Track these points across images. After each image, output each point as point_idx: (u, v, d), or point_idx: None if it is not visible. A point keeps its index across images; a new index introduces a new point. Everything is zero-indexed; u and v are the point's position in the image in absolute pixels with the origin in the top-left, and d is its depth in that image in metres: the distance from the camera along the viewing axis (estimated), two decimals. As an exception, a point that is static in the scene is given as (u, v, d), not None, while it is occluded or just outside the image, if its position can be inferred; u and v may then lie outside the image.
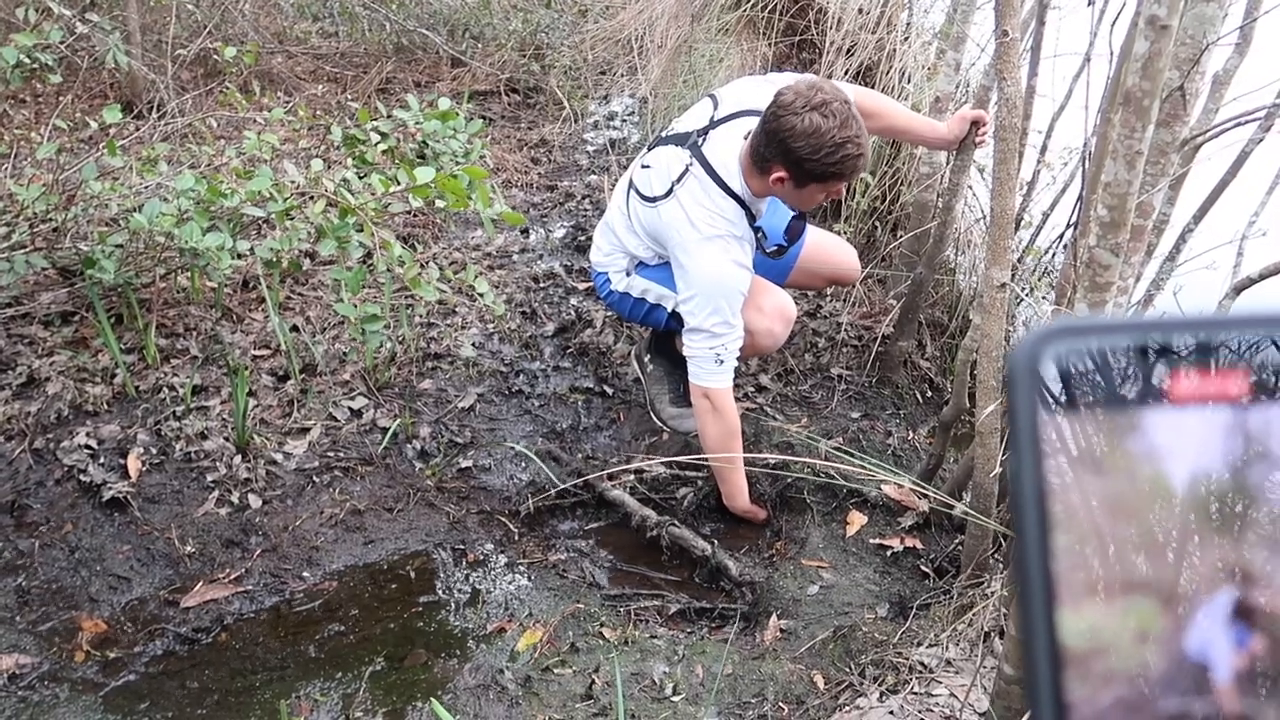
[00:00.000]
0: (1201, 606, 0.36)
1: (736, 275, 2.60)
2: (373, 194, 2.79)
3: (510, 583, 2.62)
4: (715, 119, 2.66)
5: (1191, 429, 0.37)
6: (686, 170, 2.59)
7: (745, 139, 2.57)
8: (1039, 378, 0.37)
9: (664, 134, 2.77)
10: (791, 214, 2.79)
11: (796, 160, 2.42)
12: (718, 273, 2.58)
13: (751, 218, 2.63)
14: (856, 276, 3.18)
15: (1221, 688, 0.35)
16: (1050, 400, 0.37)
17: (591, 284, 3.76)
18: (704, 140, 2.62)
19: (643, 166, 2.73)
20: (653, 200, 2.65)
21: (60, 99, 4.17)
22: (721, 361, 2.63)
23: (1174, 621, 0.36)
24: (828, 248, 3.07)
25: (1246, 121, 2.24)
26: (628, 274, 2.88)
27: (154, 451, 2.73)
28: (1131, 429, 0.37)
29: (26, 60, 2.99)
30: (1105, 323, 0.38)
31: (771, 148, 2.45)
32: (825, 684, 2.21)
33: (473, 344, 3.32)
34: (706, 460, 2.80)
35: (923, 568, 2.62)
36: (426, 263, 3.61)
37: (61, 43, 3.14)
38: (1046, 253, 3.61)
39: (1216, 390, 0.37)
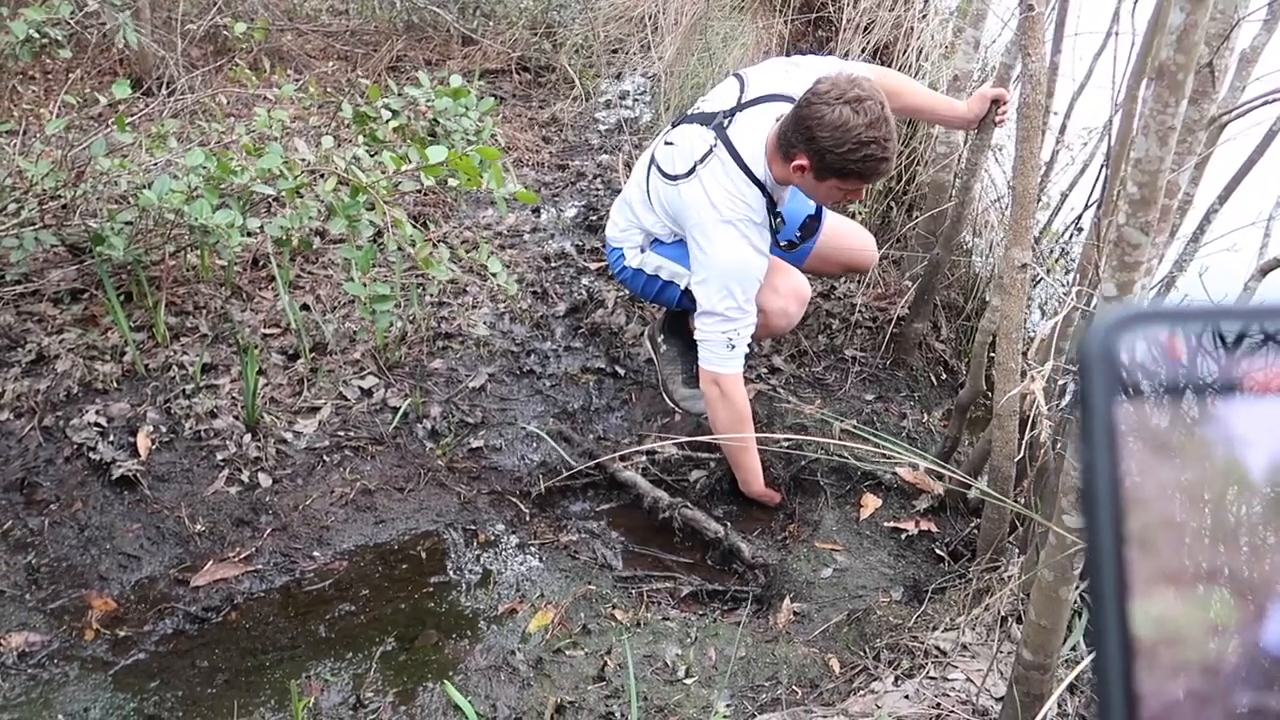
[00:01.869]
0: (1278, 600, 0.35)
1: (753, 260, 2.57)
2: (384, 172, 2.76)
3: (521, 564, 2.60)
4: (743, 101, 2.62)
5: (1272, 419, 0.36)
6: (710, 151, 2.56)
7: (776, 121, 2.54)
8: (1113, 365, 0.36)
9: (690, 112, 2.73)
10: (808, 211, 2.77)
11: (819, 150, 2.40)
12: (735, 257, 2.55)
13: (773, 204, 2.60)
14: (872, 263, 3.15)
15: None
16: (1124, 387, 0.36)
17: (604, 263, 3.73)
18: (730, 122, 2.59)
19: (666, 143, 2.70)
20: (674, 178, 2.62)
21: (69, 75, 4.15)
22: (733, 346, 2.60)
23: (1250, 615, 0.35)
24: (845, 234, 3.04)
25: (1274, 100, 2.20)
26: (642, 250, 2.86)
27: (164, 430, 2.72)
28: (1208, 417, 0.36)
29: (36, 35, 2.97)
30: (1181, 309, 0.37)
31: (798, 133, 2.42)
32: (840, 668, 2.19)
33: (484, 323, 3.29)
34: (719, 442, 2.78)
35: (937, 551, 2.60)
36: (438, 242, 3.58)
37: (71, 18, 3.11)
38: (1064, 234, 3.56)
39: None
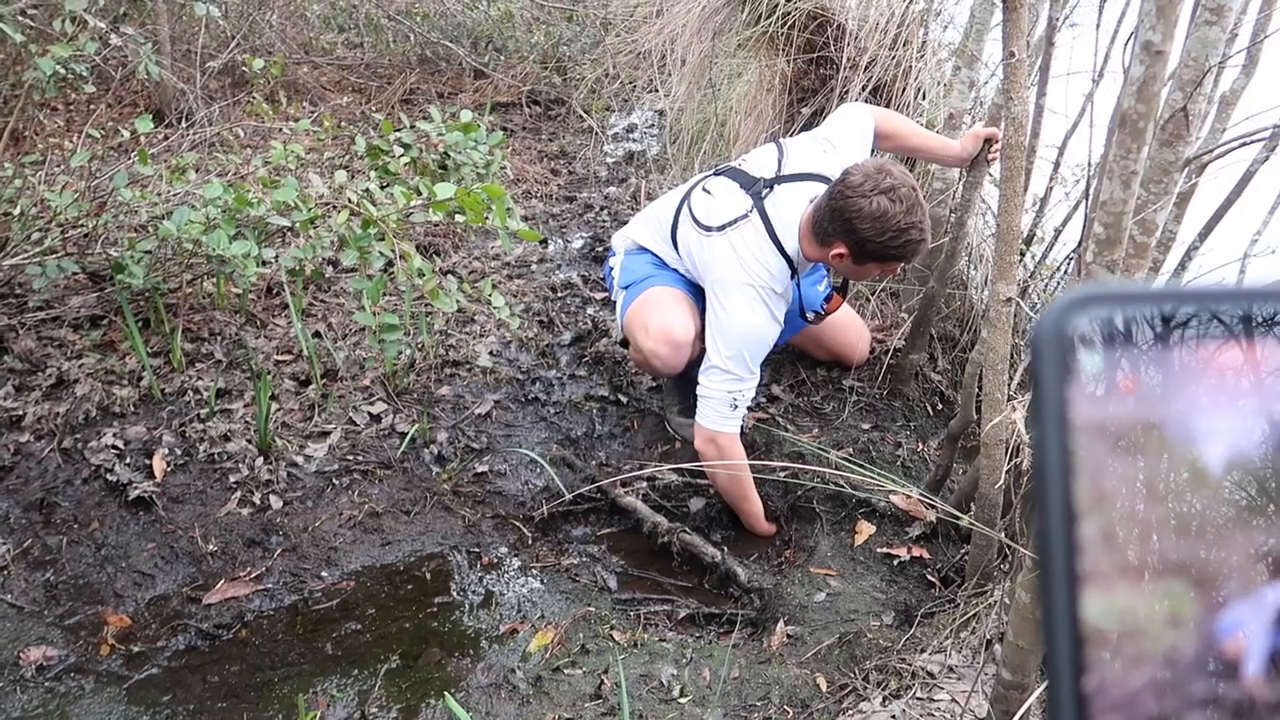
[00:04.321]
0: (1237, 594, 0.35)
1: (768, 327, 2.67)
2: (395, 205, 2.86)
3: (523, 585, 2.67)
4: (781, 174, 2.72)
5: (1229, 406, 0.35)
6: (745, 216, 2.67)
7: (810, 202, 2.64)
8: (1066, 346, 0.35)
9: (731, 165, 2.84)
10: (829, 287, 2.87)
11: (860, 240, 2.49)
12: (751, 321, 2.64)
13: (794, 273, 2.70)
14: (860, 361, 3.32)
15: (1252, 675, 0.34)
16: (1077, 371, 0.35)
17: (608, 294, 3.82)
18: (768, 193, 2.69)
19: (704, 190, 2.79)
20: (705, 229, 2.72)
21: (92, 107, 4.27)
22: (735, 407, 2.68)
23: (1208, 605, 0.35)
24: (843, 327, 3.14)
25: (1251, 141, 2.28)
26: (626, 253, 3.01)
27: (179, 453, 2.80)
28: (1164, 404, 0.35)
29: (62, 71, 3.08)
30: (1139, 290, 0.36)
31: (836, 225, 2.51)
32: (828, 687, 2.25)
33: (490, 352, 3.38)
34: (718, 488, 2.86)
35: (929, 577, 2.66)
36: (446, 273, 3.67)
37: (96, 54, 3.22)
38: (1059, 269, 3.64)
39: (1257, 366, 0.35)
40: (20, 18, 3.05)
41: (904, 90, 3.67)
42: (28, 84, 3.15)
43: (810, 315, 2.90)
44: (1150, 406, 0.35)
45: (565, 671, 2.31)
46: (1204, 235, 2.62)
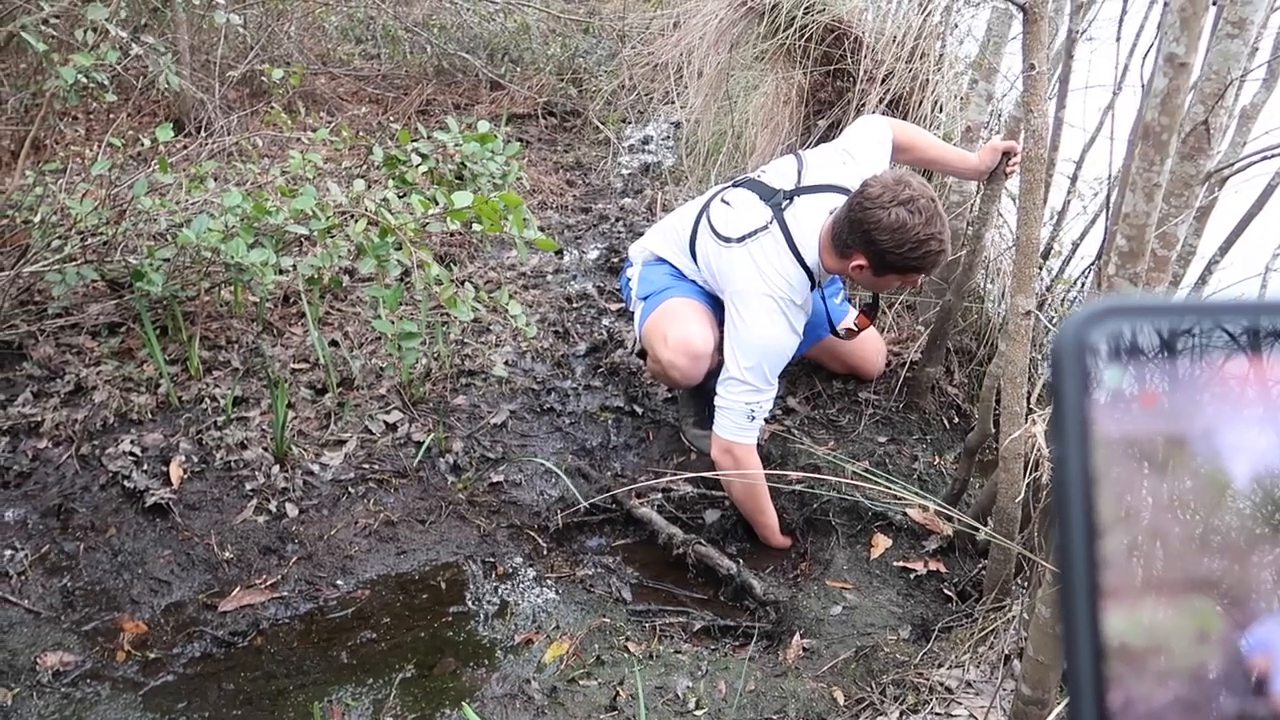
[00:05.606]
0: (1265, 611, 0.34)
1: (787, 339, 2.67)
2: (412, 214, 2.87)
3: (538, 596, 2.67)
4: (800, 185, 2.72)
5: (1255, 421, 0.35)
6: (765, 228, 2.67)
7: (830, 214, 2.64)
8: (1087, 360, 0.35)
9: (750, 177, 2.84)
10: (845, 300, 2.88)
11: (879, 252, 2.49)
12: (770, 332, 2.64)
13: (814, 285, 2.70)
14: (875, 375, 3.32)
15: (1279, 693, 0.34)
16: (1098, 384, 0.35)
17: (624, 304, 3.82)
18: (788, 205, 2.69)
19: (722, 201, 2.80)
20: (725, 240, 2.73)
21: (113, 116, 4.30)
22: (753, 418, 2.68)
23: (1235, 622, 0.34)
24: (860, 340, 3.14)
25: (1272, 155, 2.27)
26: (644, 264, 3.01)
27: (195, 460, 2.81)
28: (1188, 417, 0.35)
29: (84, 79, 3.10)
30: (1161, 303, 0.36)
31: (855, 236, 2.51)
32: (845, 702, 2.24)
33: (506, 362, 3.38)
34: (734, 498, 2.85)
35: (946, 591, 2.65)
36: (463, 282, 3.68)
37: (117, 63, 3.25)
38: (1076, 282, 3.63)
39: None
40: (42, 27, 3.07)
41: (921, 103, 3.67)
42: (49, 93, 3.18)
43: (842, 331, 2.90)
44: (1173, 420, 0.35)
45: (580, 683, 2.30)
46: (1224, 249, 2.61)
